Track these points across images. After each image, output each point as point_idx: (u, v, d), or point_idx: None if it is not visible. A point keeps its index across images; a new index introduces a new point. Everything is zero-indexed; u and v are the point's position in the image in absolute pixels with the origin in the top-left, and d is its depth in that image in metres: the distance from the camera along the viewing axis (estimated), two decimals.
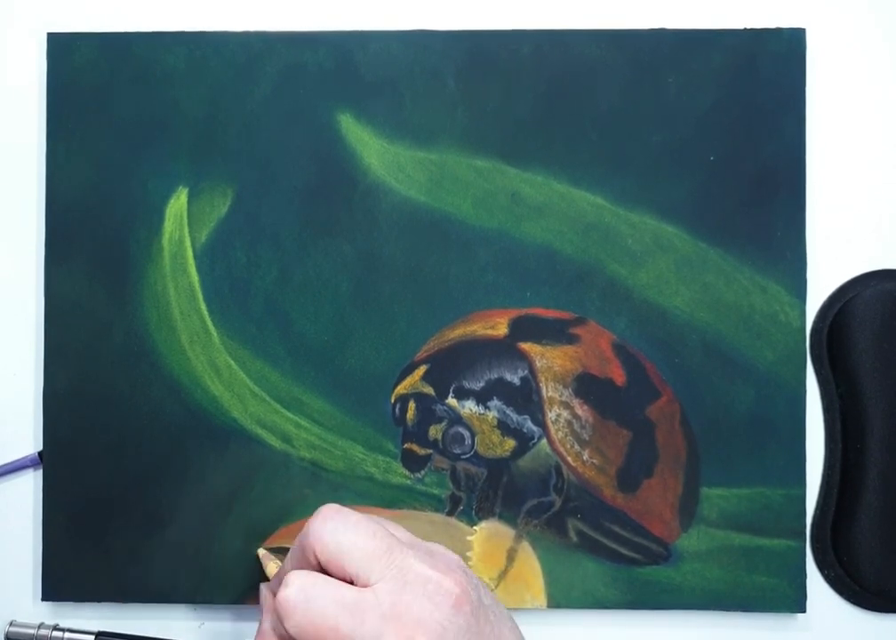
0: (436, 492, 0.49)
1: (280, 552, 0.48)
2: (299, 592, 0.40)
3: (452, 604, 0.39)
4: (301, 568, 0.41)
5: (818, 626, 0.49)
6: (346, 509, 0.42)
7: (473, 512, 0.48)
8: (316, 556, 0.41)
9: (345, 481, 0.48)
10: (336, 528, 0.41)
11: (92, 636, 0.48)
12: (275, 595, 0.41)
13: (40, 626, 0.48)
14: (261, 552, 0.48)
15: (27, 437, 0.50)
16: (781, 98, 0.49)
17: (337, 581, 0.40)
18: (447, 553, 0.42)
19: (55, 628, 0.48)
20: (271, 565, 0.47)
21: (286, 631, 0.40)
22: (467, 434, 0.48)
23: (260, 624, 0.43)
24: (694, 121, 0.49)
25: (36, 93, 0.50)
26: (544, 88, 0.49)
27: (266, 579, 0.47)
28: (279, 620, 0.40)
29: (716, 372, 0.48)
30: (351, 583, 0.40)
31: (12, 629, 0.48)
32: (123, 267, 0.49)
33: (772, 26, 0.49)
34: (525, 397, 0.48)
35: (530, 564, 0.48)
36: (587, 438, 0.48)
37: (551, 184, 0.49)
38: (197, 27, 0.50)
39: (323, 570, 0.41)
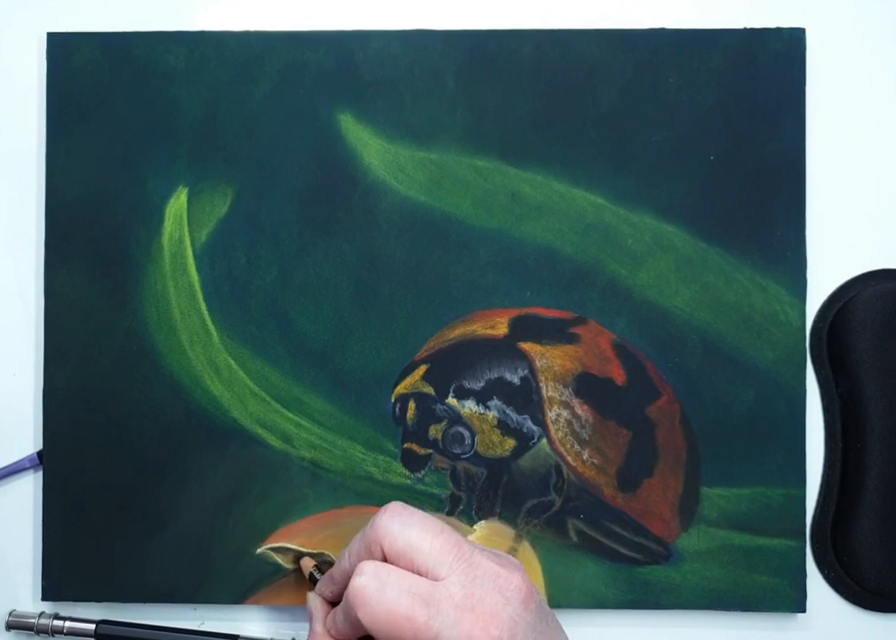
0: (436, 491, 0.49)
1: (281, 552, 0.48)
2: (373, 579, 0.40)
3: (521, 600, 0.40)
4: None
5: (818, 626, 0.49)
6: (411, 507, 0.42)
7: (473, 512, 0.48)
8: (382, 551, 0.41)
9: (345, 481, 0.48)
10: (405, 523, 0.41)
11: (93, 625, 0.48)
12: (329, 596, 0.44)
13: (41, 614, 0.48)
14: (305, 560, 0.48)
15: (26, 437, 0.50)
16: (781, 97, 0.49)
17: (409, 573, 0.40)
18: (506, 555, 0.43)
19: (56, 616, 0.48)
20: (315, 571, 0.47)
21: (357, 621, 0.40)
22: (467, 433, 0.48)
23: (311, 629, 0.44)
24: (694, 121, 0.49)
25: (35, 93, 0.50)
26: (544, 88, 0.49)
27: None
28: (350, 609, 0.40)
29: (716, 372, 0.48)
30: None
31: (13, 619, 0.48)
32: (123, 267, 0.49)
33: (772, 26, 0.49)
34: (525, 397, 0.48)
35: (530, 564, 0.48)
36: (587, 438, 0.48)
37: (551, 184, 0.49)
38: (197, 27, 0.50)
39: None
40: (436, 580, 0.40)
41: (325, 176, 0.49)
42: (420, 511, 0.42)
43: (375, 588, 0.40)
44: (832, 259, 0.49)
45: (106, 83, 0.49)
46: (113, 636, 0.48)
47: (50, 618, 0.48)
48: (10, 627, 0.48)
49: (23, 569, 0.50)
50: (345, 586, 0.42)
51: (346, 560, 0.43)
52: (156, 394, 0.49)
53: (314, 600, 0.45)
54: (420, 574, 0.40)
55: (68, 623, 0.48)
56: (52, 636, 0.48)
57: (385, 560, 0.41)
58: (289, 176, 0.49)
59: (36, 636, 0.49)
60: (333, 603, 0.45)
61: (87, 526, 0.49)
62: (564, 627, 0.43)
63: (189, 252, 0.49)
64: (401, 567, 0.41)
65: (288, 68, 0.49)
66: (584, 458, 0.48)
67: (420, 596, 0.40)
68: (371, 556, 0.41)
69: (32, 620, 0.48)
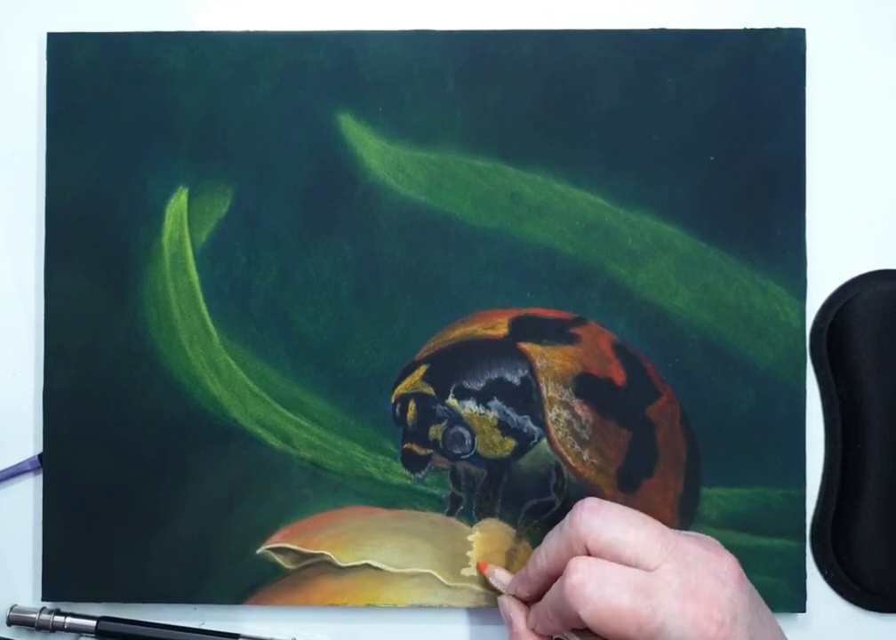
0: (436, 491, 0.49)
1: (283, 552, 0.48)
2: (590, 576, 0.40)
3: (736, 581, 0.40)
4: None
5: (818, 626, 0.49)
6: (606, 501, 0.43)
7: (473, 512, 0.48)
8: (586, 548, 0.41)
9: (345, 481, 0.48)
10: (606, 517, 0.41)
11: (94, 621, 0.48)
12: (526, 595, 0.44)
13: (42, 610, 0.48)
14: (489, 568, 0.48)
15: (26, 438, 0.50)
16: (781, 98, 0.49)
17: (621, 565, 0.40)
18: (706, 537, 0.43)
19: (57, 612, 0.48)
20: (499, 572, 0.47)
21: (577, 619, 0.40)
22: (467, 434, 0.48)
23: (513, 629, 0.45)
24: (694, 121, 0.49)
25: (35, 93, 0.50)
26: (544, 88, 0.49)
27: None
28: (567, 607, 0.40)
29: (716, 372, 0.48)
30: None
31: (14, 614, 0.48)
32: (123, 267, 0.49)
33: (772, 26, 0.49)
34: (525, 397, 0.48)
35: None
36: (587, 438, 0.48)
37: (551, 184, 0.49)
38: (197, 27, 0.50)
39: None
40: (646, 570, 0.40)
41: (325, 176, 0.49)
42: (617, 504, 0.42)
43: (594, 585, 0.40)
44: (832, 259, 0.49)
45: (106, 83, 0.49)
46: (114, 632, 0.48)
47: (51, 613, 0.48)
48: (10, 622, 0.48)
49: (23, 569, 0.50)
50: (543, 585, 0.43)
51: (542, 559, 0.43)
52: (156, 394, 0.49)
53: (510, 601, 0.46)
54: (629, 566, 0.40)
55: (69, 619, 0.48)
56: (53, 631, 0.48)
57: (589, 556, 0.41)
58: (289, 176, 0.49)
59: (37, 632, 0.49)
60: (526, 602, 0.46)
61: (87, 526, 0.49)
62: None
63: (189, 253, 0.49)
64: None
65: (288, 69, 0.49)
66: (584, 458, 0.48)
67: (639, 587, 0.39)
68: (573, 554, 0.41)
69: (33, 616, 0.48)
